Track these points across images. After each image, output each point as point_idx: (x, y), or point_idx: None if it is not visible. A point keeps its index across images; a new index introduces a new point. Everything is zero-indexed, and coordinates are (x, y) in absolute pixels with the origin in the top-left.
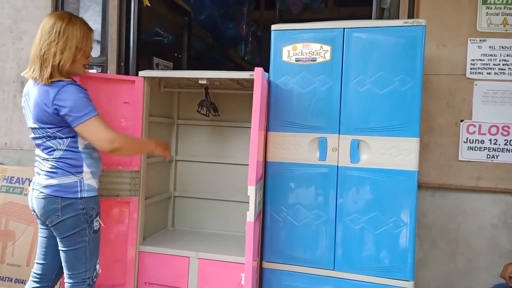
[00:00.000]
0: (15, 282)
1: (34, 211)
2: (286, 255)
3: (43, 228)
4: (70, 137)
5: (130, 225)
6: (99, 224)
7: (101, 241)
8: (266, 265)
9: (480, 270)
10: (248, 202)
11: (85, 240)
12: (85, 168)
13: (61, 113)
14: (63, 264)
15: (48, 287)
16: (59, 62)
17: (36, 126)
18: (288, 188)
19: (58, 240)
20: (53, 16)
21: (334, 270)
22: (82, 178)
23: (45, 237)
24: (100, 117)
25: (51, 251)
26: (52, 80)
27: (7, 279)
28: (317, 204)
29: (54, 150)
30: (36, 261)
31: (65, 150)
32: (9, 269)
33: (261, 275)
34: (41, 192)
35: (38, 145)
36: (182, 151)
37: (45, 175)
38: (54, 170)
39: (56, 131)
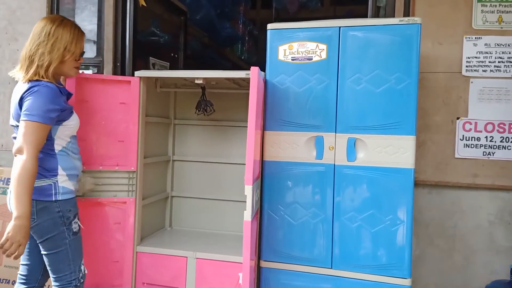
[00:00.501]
0: (13, 284)
1: None
2: (284, 254)
3: None
4: (46, 139)
5: (128, 225)
6: (78, 225)
7: (99, 242)
8: (264, 264)
9: (477, 267)
10: (245, 202)
11: (66, 242)
12: (60, 171)
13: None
14: (48, 267)
15: (35, 287)
16: (46, 63)
17: (14, 124)
18: (285, 187)
19: (38, 243)
20: (45, 19)
21: (331, 268)
22: (57, 181)
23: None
24: (40, 128)
25: (33, 252)
26: (32, 79)
27: (4, 281)
28: (314, 203)
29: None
30: (20, 262)
31: (40, 152)
32: (6, 271)
33: (259, 274)
34: None
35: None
36: (179, 151)
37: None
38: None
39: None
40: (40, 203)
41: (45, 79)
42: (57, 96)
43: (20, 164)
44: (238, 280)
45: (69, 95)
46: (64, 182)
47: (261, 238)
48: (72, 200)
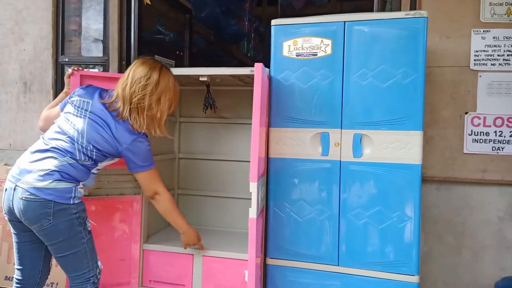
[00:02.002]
0: None
1: (11, 213)
2: (290, 251)
3: (17, 233)
4: (97, 161)
5: (134, 223)
6: (90, 224)
7: (106, 240)
8: (270, 261)
9: (486, 263)
10: (251, 199)
11: (84, 242)
12: (81, 184)
13: (124, 156)
14: (63, 268)
15: None
16: (158, 114)
17: (83, 139)
18: (291, 184)
19: (49, 246)
20: (147, 64)
21: (338, 265)
22: (76, 186)
23: (19, 242)
24: (156, 170)
25: (28, 256)
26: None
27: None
28: (320, 200)
29: (75, 158)
30: (15, 266)
31: (83, 165)
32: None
33: (265, 271)
34: (31, 194)
35: (59, 140)
36: (184, 149)
37: (39, 175)
38: (52, 173)
39: (97, 155)
40: (58, 205)
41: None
42: (149, 143)
43: (163, 201)
44: (244, 278)
45: None
46: (80, 188)
47: (267, 235)
48: (83, 203)
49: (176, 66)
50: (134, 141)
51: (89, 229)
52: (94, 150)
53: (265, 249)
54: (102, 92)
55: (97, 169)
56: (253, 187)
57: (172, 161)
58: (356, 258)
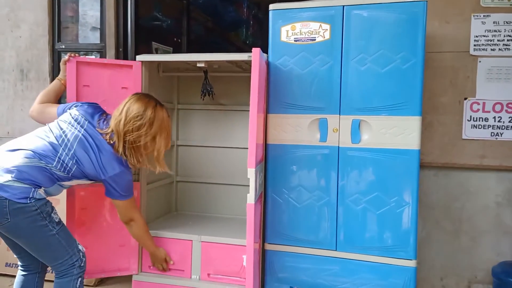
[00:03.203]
0: None
1: None
2: (288, 237)
3: None
4: (72, 176)
5: None
6: (57, 215)
7: (106, 226)
8: (268, 247)
9: (484, 248)
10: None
11: (53, 234)
12: (42, 189)
13: (105, 183)
14: (43, 261)
15: (38, 273)
16: (155, 153)
17: (69, 152)
18: (289, 170)
19: (18, 242)
20: (141, 102)
21: (336, 250)
22: (36, 189)
23: (3, 237)
24: (134, 198)
25: (17, 246)
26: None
27: (14, 265)
28: (319, 186)
29: (48, 164)
30: (14, 255)
31: (52, 173)
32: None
33: (263, 257)
34: None
35: (43, 141)
36: (182, 136)
37: (3, 169)
38: (12, 170)
39: (76, 171)
40: (13, 203)
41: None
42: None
43: (137, 228)
44: (243, 263)
45: None
46: (41, 192)
47: (265, 221)
48: (44, 199)
49: (174, 53)
50: (120, 172)
51: (56, 220)
52: (75, 166)
53: (263, 235)
54: (101, 116)
55: (69, 184)
56: (251, 173)
57: (171, 148)
58: (354, 243)
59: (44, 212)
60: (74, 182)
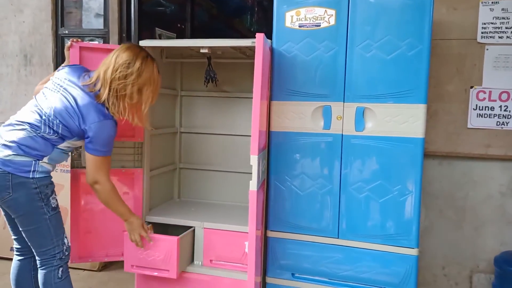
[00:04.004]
0: None
1: None
2: (290, 224)
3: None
4: (63, 137)
5: (136, 196)
6: (56, 201)
7: (108, 212)
8: (270, 234)
9: (487, 238)
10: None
11: (45, 218)
12: (45, 159)
13: (86, 134)
14: (30, 243)
15: (33, 257)
16: (138, 105)
17: (50, 112)
18: (292, 158)
19: (15, 219)
20: (132, 52)
21: (338, 238)
22: (37, 160)
23: (5, 214)
24: (108, 159)
25: (17, 225)
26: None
27: None
28: (322, 173)
29: (37, 131)
30: (12, 236)
31: (46, 138)
32: None
33: (266, 243)
34: None
35: (31, 112)
36: (186, 123)
37: (2, 145)
38: (12, 144)
39: (63, 131)
40: (16, 177)
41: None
42: (115, 130)
43: (103, 192)
44: (245, 249)
45: None
46: (44, 163)
47: (268, 208)
48: (48, 178)
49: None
50: (100, 122)
51: (53, 205)
52: (60, 125)
53: (266, 222)
54: (84, 72)
55: (67, 146)
56: (254, 160)
57: (174, 135)
58: (357, 231)
59: (42, 193)
60: (69, 143)
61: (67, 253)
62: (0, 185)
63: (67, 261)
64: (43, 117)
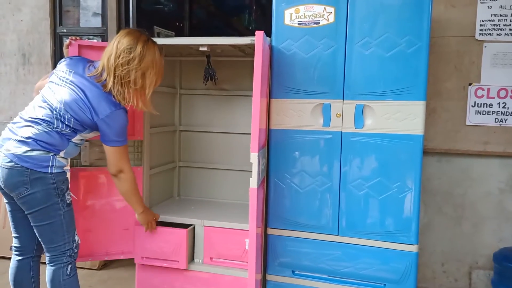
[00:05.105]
0: None
1: None
2: (290, 221)
3: (8, 202)
4: (76, 130)
5: None
6: (71, 197)
7: (110, 210)
8: (270, 231)
9: (486, 234)
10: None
11: (60, 213)
12: (61, 153)
13: (99, 127)
14: (40, 239)
15: (32, 257)
16: (143, 90)
17: (61, 106)
18: (292, 155)
19: (28, 215)
20: (132, 36)
21: (338, 235)
22: (55, 155)
23: (11, 210)
24: (126, 148)
25: (21, 223)
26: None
27: None
28: (321, 171)
29: (51, 126)
30: (12, 234)
31: (60, 133)
32: None
33: (266, 241)
34: (10, 161)
35: (40, 108)
36: (185, 121)
37: (18, 141)
38: (29, 140)
39: (75, 124)
40: (35, 173)
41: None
42: (127, 119)
43: (126, 180)
44: (245, 247)
45: None
46: (60, 158)
47: (268, 206)
48: (64, 173)
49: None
50: (112, 113)
51: (68, 201)
52: (72, 119)
53: (266, 220)
54: (88, 63)
55: (80, 139)
56: (254, 158)
57: (173, 134)
58: (356, 228)
59: (59, 189)
60: (82, 136)
61: (76, 250)
62: (18, 181)
63: (76, 258)
64: (54, 112)
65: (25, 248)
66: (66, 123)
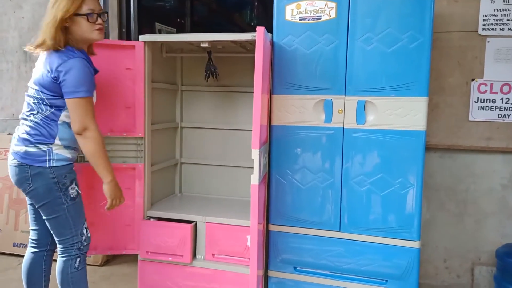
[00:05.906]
0: None
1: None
2: (292, 218)
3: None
4: (56, 107)
5: (137, 191)
6: (77, 191)
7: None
8: (272, 227)
9: (488, 230)
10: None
11: (64, 208)
12: (56, 141)
13: (59, 81)
14: (52, 232)
15: (46, 251)
16: (60, 19)
17: (33, 87)
18: (293, 152)
19: (38, 208)
20: None
21: (340, 231)
22: (51, 148)
23: (30, 204)
24: (91, 101)
25: (39, 216)
26: (60, 47)
27: (21, 245)
28: (323, 167)
29: (35, 115)
30: (30, 227)
31: (45, 118)
32: (23, 236)
33: (267, 237)
34: (14, 159)
35: (26, 102)
36: (187, 118)
37: (17, 140)
38: (24, 136)
39: (47, 97)
40: (34, 168)
41: (74, 46)
42: (90, 69)
43: (92, 139)
44: (247, 243)
45: (95, 70)
46: (58, 149)
47: (269, 202)
48: (67, 167)
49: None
50: (64, 62)
51: (72, 195)
52: (44, 94)
53: (267, 216)
54: None
55: (66, 116)
56: (255, 154)
57: (175, 130)
58: (358, 224)
59: (60, 183)
60: (67, 112)
61: (85, 243)
62: (21, 177)
63: (86, 252)
64: (32, 96)
65: (40, 241)
66: (44, 103)
